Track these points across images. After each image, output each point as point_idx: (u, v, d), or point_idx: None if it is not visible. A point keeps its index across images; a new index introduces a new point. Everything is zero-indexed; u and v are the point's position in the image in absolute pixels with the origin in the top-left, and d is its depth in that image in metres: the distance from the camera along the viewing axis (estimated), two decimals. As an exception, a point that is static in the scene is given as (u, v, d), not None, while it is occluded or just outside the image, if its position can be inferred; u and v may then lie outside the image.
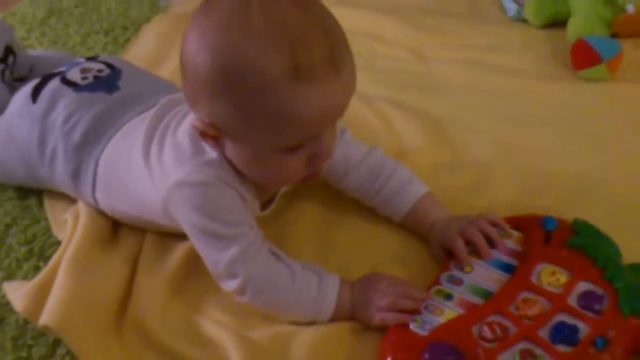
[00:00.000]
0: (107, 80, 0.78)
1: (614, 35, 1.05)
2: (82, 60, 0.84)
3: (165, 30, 1.18)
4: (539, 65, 1.04)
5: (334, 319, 0.64)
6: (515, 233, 0.69)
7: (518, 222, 0.70)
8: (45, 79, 0.79)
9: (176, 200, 0.64)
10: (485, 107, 0.95)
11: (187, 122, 0.66)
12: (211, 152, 0.64)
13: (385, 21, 1.17)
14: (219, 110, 0.58)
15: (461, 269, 0.66)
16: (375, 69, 1.05)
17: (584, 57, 0.98)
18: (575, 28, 1.05)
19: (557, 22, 1.12)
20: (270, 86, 0.55)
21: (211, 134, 0.60)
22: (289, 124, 0.57)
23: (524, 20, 1.16)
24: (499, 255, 0.67)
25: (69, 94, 0.76)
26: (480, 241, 0.67)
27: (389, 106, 0.95)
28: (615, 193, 0.79)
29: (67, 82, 0.78)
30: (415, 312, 0.62)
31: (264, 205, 0.71)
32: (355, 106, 0.60)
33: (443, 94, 0.99)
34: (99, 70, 0.80)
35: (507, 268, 0.66)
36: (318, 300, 0.63)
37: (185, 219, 0.64)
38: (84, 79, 0.78)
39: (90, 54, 1.13)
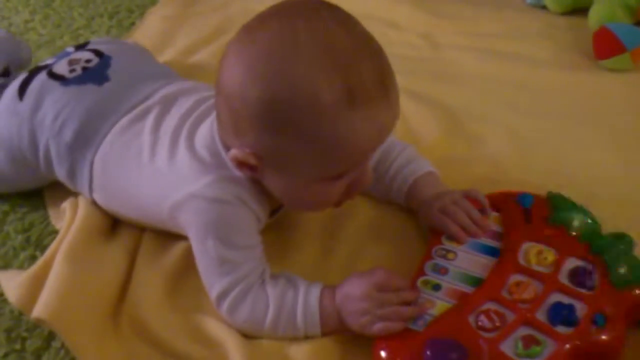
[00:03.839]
0: (96, 71, 0.74)
1: (638, 23, 1.01)
2: (71, 50, 0.79)
3: (171, 14, 1.16)
4: (558, 55, 1.01)
5: (326, 333, 0.60)
6: (493, 213, 0.67)
7: (493, 201, 0.68)
8: (32, 74, 0.75)
9: (188, 211, 0.61)
10: (501, 98, 0.92)
11: (204, 132, 0.64)
12: (233, 169, 0.61)
13: (399, 7, 1.14)
14: (267, 141, 0.56)
15: (444, 256, 0.64)
16: (389, 56, 1.01)
17: (606, 45, 0.95)
18: (597, 15, 1.02)
19: (578, 9, 1.09)
20: (325, 114, 0.53)
21: (251, 163, 0.58)
22: (341, 153, 0.55)
23: (544, 7, 1.13)
24: (481, 239, 0.65)
25: (56, 89, 0.72)
26: (465, 221, 0.65)
27: (401, 95, 0.91)
28: (636, 187, 0.76)
29: (53, 75, 0.74)
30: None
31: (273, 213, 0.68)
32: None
33: (457, 83, 0.96)
34: (87, 61, 0.75)
35: (491, 251, 0.64)
36: (298, 325, 0.59)
37: (193, 231, 0.62)
38: (71, 71, 0.74)
39: (94, 37, 1.11)
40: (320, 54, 0.53)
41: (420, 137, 0.84)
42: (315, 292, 0.60)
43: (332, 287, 0.61)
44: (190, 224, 0.62)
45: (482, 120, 0.87)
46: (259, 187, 0.62)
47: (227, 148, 0.60)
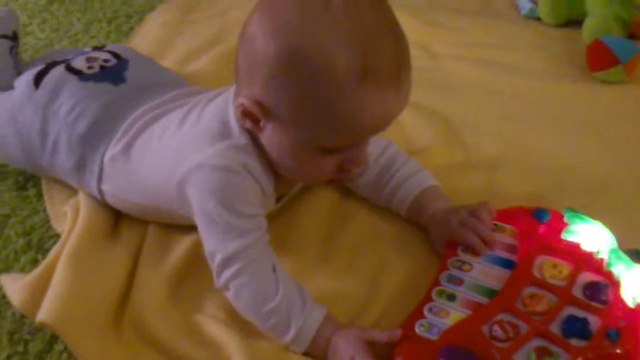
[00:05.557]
0: (114, 71, 0.76)
1: (631, 36, 1.03)
2: (89, 49, 0.82)
3: (170, 20, 1.17)
4: (552, 66, 1.03)
5: (308, 353, 0.60)
6: (508, 227, 0.68)
7: (509, 215, 0.69)
8: (49, 66, 0.77)
9: (194, 181, 0.62)
10: (497, 108, 0.94)
11: (218, 102, 0.65)
12: (239, 137, 0.62)
13: (396, 16, 1.15)
14: (274, 91, 0.56)
15: (460, 267, 0.65)
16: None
17: (600, 58, 0.96)
18: (591, 28, 1.03)
19: (573, 21, 1.10)
20: (335, 80, 0.53)
21: (254, 114, 0.58)
22: (341, 125, 0.56)
23: (538, 19, 1.15)
24: (496, 251, 0.66)
25: (73, 83, 0.74)
26: (485, 232, 0.66)
27: (398, 104, 0.93)
28: (630, 196, 0.77)
29: (72, 69, 0.76)
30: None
31: (277, 200, 0.69)
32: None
33: (453, 93, 0.97)
34: (105, 60, 0.78)
35: (506, 264, 0.65)
36: (286, 336, 0.59)
37: (198, 201, 0.62)
38: (89, 67, 0.76)
39: (93, 42, 1.12)
40: (348, 23, 0.53)
41: (417, 146, 0.85)
42: (318, 318, 0.59)
43: (331, 323, 0.60)
44: (195, 194, 0.62)
45: (477, 130, 0.89)
46: (264, 157, 0.62)
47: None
